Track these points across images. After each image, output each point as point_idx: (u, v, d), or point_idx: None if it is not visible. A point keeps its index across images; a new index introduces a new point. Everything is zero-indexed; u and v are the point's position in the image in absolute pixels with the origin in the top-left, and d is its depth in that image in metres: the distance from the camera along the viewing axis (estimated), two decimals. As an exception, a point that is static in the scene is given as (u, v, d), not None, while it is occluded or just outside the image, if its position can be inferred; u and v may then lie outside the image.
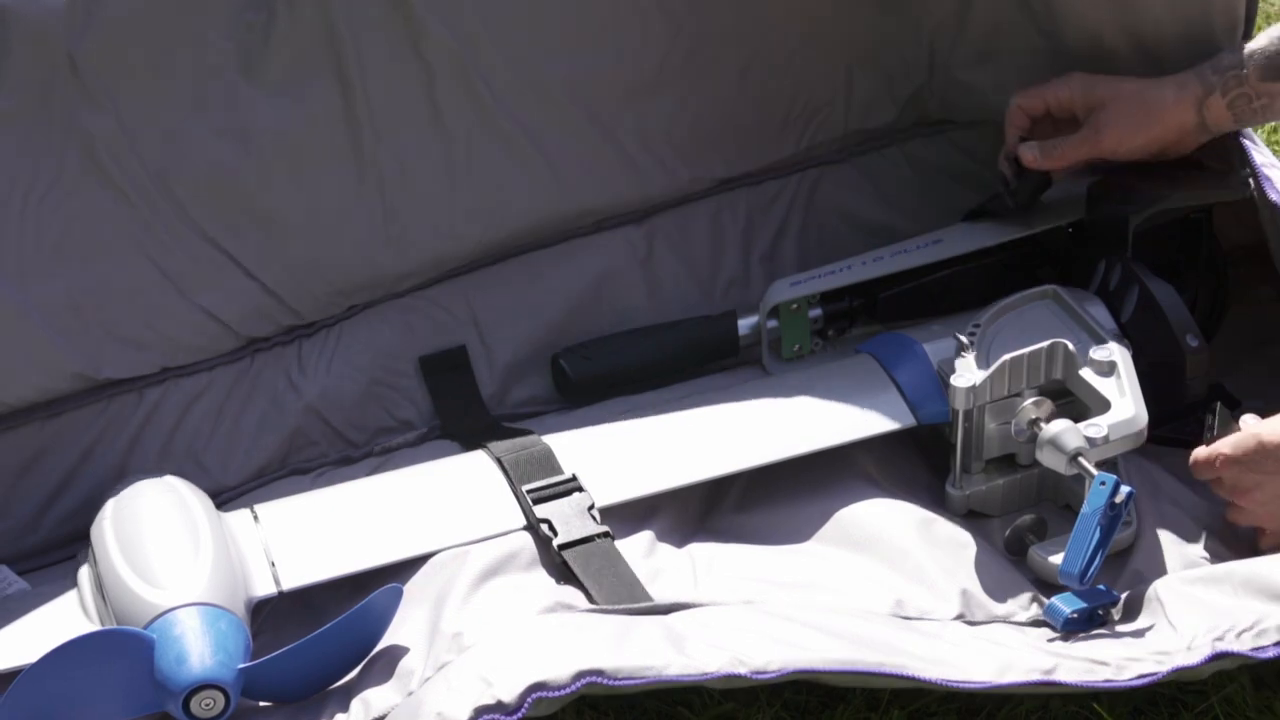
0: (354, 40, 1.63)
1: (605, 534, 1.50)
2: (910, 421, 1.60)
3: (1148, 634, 1.41)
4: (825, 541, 1.54)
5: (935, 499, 1.60)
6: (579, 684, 1.27)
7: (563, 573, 1.48)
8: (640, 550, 1.51)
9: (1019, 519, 1.55)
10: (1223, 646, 1.35)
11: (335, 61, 1.63)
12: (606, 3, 1.71)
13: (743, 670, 1.30)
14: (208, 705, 1.34)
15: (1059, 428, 1.49)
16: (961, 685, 1.34)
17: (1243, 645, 1.35)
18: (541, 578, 1.47)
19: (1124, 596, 1.47)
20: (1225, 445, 1.51)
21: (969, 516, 1.58)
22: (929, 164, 1.88)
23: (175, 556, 1.43)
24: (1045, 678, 1.36)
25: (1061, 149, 1.66)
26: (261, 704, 1.41)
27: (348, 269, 1.69)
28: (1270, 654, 1.35)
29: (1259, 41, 1.57)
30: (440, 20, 1.65)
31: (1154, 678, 1.35)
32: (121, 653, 1.35)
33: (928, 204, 1.86)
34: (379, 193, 1.68)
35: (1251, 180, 1.62)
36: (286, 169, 1.64)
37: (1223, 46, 1.62)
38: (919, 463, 1.64)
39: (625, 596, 1.44)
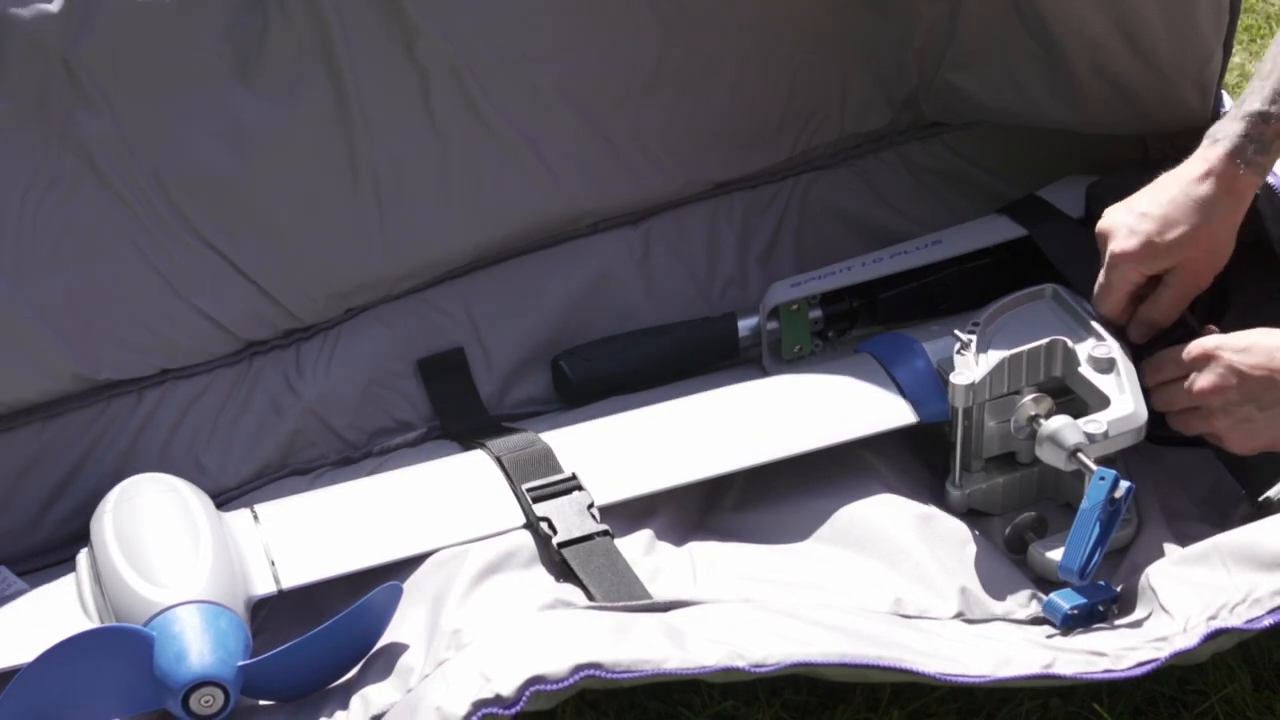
0: (347, 43, 1.63)
1: (605, 532, 1.50)
2: (910, 420, 1.60)
3: (1145, 623, 1.41)
4: (824, 540, 1.54)
5: (935, 498, 1.59)
6: (577, 677, 1.26)
7: (562, 571, 1.47)
8: (639, 548, 1.51)
9: (1019, 517, 1.55)
10: (1217, 624, 1.35)
11: (329, 64, 1.63)
12: (600, 6, 1.71)
13: (741, 664, 1.30)
14: (207, 702, 1.34)
15: (1058, 424, 1.49)
16: (961, 679, 1.34)
17: (1237, 619, 1.35)
18: (541, 575, 1.47)
19: (1120, 589, 1.47)
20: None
21: (969, 515, 1.58)
22: (924, 167, 1.89)
23: (175, 554, 1.43)
24: (1044, 670, 1.35)
25: (1159, 317, 1.59)
26: (261, 702, 1.41)
27: (344, 272, 1.70)
28: (1266, 623, 1.34)
29: (1271, 82, 1.52)
30: (433, 23, 1.65)
31: (1154, 664, 1.35)
32: (121, 650, 1.35)
33: (923, 206, 1.87)
34: (374, 195, 1.68)
35: None
36: (281, 172, 1.65)
37: (1209, 39, 1.61)
38: (919, 462, 1.64)
39: (624, 594, 1.43)
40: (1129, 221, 1.54)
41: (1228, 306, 1.74)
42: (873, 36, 1.81)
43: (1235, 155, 1.51)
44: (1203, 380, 1.50)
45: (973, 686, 1.35)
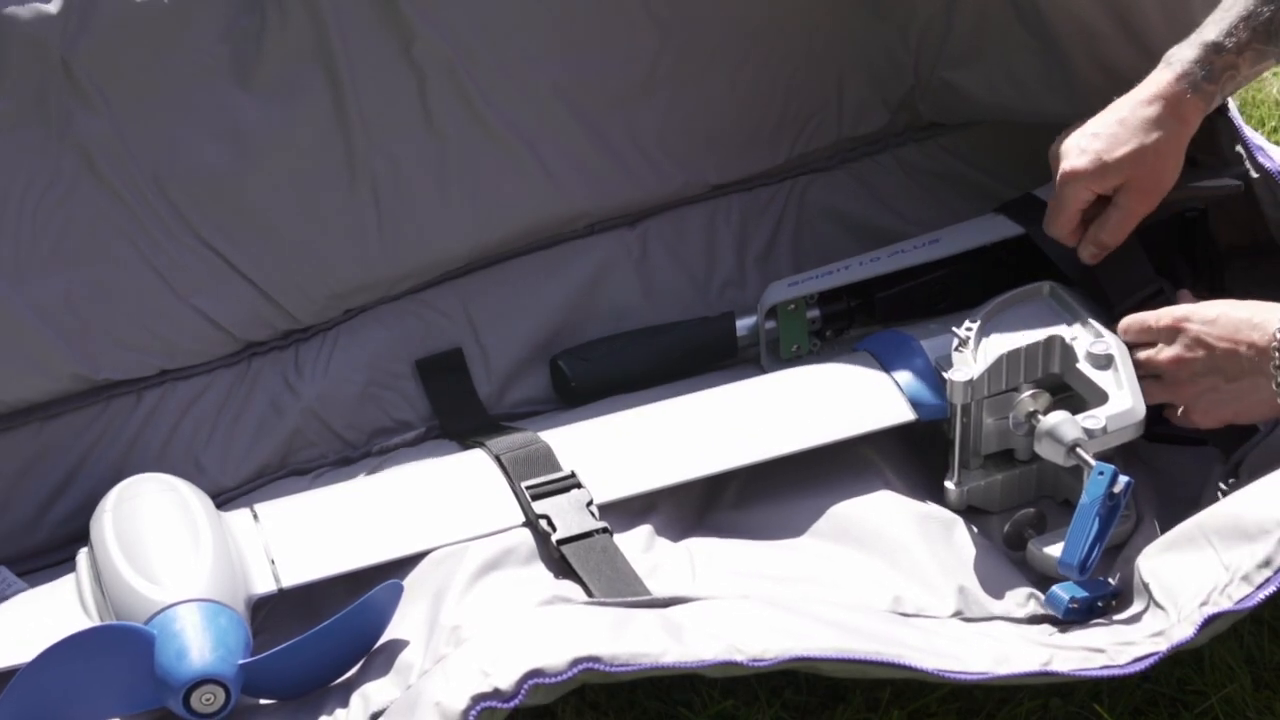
0: (345, 45, 1.64)
1: (604, 529, 1.50)
2: (908, 417, 1.60)
3: (1142, 617, 1.40)
4: (823, 537, 1.54)
5: (934, 495, 1.60)
6: (575, 670, 1.26)
7: (561, 567, 1.47)
8: (638, 545, 1.51)
9: (1018, 513, 1.55)
10: (1210, 610, 1.34)
11: (327, 66, 1.64)
12: (595, 8, 1.72)
13: (739, 658, 1.30)
14: (208, 700, 1.34)
15: (1057, 419, 1.50)
16: (959, 676, 1.34)
17: (1228, 601, 1.34)
18: (540, 572, 1.47)
19: (1117, 583, 1.47)
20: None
21: (968, 513, 1.58)
22: (920, 168, 1.89)
23: (175, 553, 1.43)
24: (1042, 668, 1.35)
25: (1107, 237, 1.62)
26: (262, 701, 1.41)
27: (342, 272, 1.70)
28: (1259, 598, 1.33)
29: (1230, 15, 1.55)
30: (431, 24, 1.66)
31: (1153, 659, 1.34)
32: (121, 648, 1.35)
33: (920, 207, 1.87)
34: (372, 196, 1.69)
35: (1242, 150, 1.63)
36: (280, 173, 1.65)
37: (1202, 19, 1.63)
38: (918, 460, 1.64)
39: (623, 591, 1.43)
40: (1080, 142, 1.58)
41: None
42: (869, 37, 1.82)
43: (1183, 79, 1.55)
44: (1169, 350, 1.52)
45: (971, 684, 1.35)
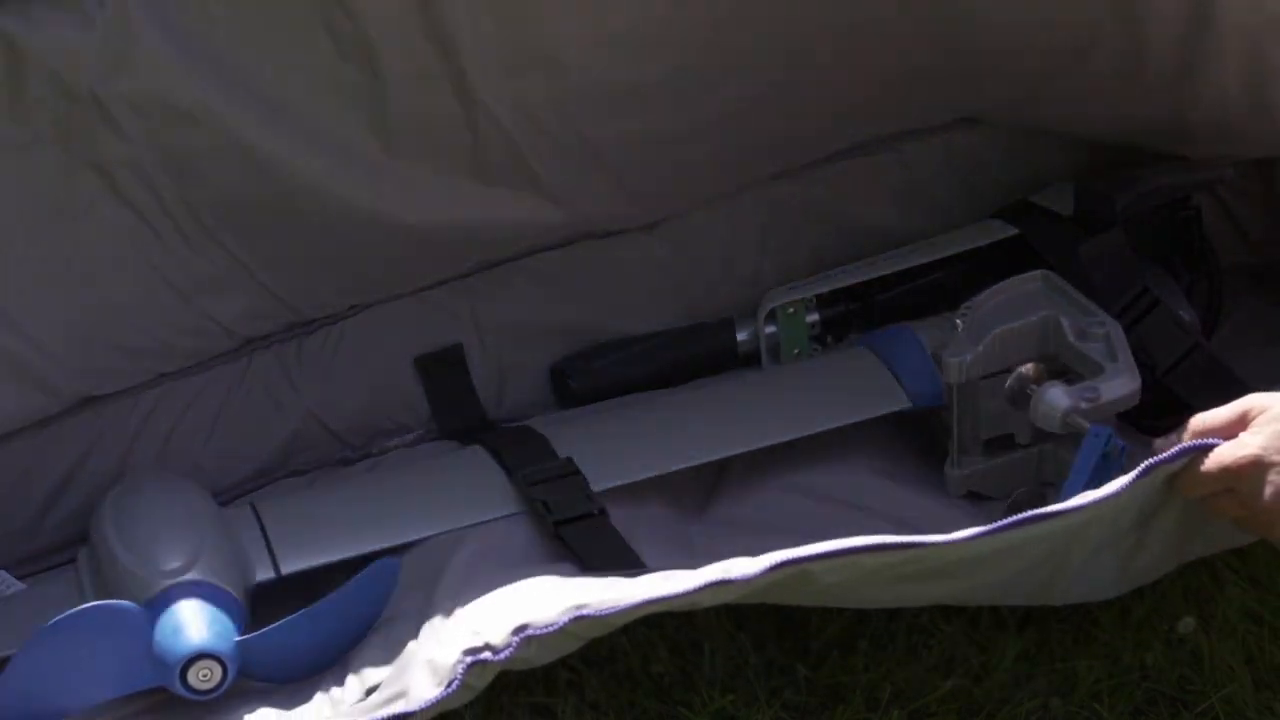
0: None
1: (601, 511, 1.50)
2: (906, 404, 1.61)
3: None
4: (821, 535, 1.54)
5: (934, 486, 1.60)
6: (566, 619, 1.26)
7: (558, 550, 1.47)
8: (635, 534, 1.50)
9: (1017, 492, 1.55)
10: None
11: None
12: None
13: (728, 576, 1.27)
14: (205, 676, 1.34)
15: (1051, 387, 1.50)
16: (950, 541, 1.29)
17: None
18: (536, 555, 1.47)
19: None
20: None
21: (968, 498, 1.58)
22: (922, 169, 1.88)
23: (173, 537, 1.43)
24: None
25: None
26: (258, 686, 1.41)
27: (345, 271, 1.69)
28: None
29: None
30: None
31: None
32: (118, 627, 1.35)
33: (921, 208, 1.86)
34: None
35: None
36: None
37: None
38: (917, 451, 1.65)
39: (620, 567, 1.42)
40: None
41: (1221, 310, 1.76)
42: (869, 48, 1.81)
43: None
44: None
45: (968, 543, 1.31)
